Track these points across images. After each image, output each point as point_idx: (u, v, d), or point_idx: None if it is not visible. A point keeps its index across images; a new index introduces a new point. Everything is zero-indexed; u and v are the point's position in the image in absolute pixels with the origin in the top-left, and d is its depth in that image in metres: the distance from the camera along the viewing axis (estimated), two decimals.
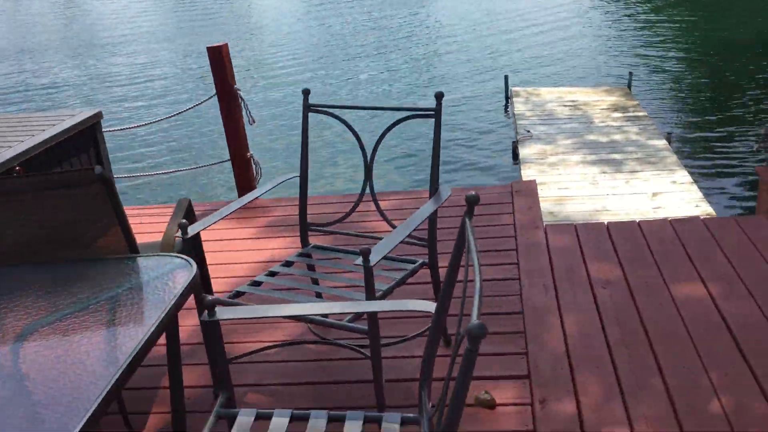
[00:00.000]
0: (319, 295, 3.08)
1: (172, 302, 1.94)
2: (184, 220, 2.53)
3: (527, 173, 7.31)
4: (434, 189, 2.77)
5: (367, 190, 2.91)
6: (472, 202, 1.71)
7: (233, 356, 2.80)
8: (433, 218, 2.79)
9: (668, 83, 11.46)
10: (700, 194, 6.41)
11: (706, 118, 9.62)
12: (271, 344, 3.09)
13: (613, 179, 6.96)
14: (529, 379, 2.67)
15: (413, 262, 2.79)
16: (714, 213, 5.98)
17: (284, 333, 3.16)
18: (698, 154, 8.26)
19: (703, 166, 7.89)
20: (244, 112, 4.93)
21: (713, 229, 3.78)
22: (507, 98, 10.73)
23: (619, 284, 3.30)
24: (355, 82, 12.80)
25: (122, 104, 12.69)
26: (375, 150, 2.90)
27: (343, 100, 11.17)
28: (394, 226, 2.68)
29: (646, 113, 9.14)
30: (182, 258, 2.15)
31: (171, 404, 2.29)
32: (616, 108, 9.45)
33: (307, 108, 2.98)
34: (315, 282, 3.11)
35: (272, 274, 2.81)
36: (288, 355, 3.00)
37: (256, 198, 4.82)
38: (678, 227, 3.85)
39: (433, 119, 2.75)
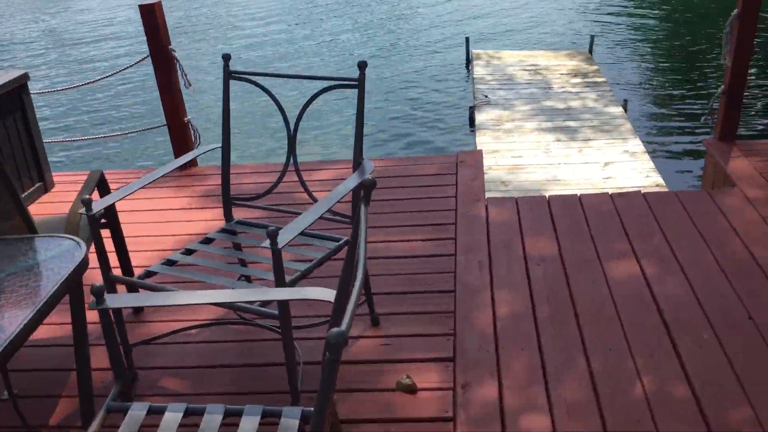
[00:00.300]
0: (243, 277, 2.97)
1: (55, 288, 1.81)
2: (87, 196, 2.38)
3: (481, 140, 7.23)
4: (357, 163, 2.66)
5: (294, 163, 2.78)
6: (368, 187, 1.60)
7: (140, 341, 2.68)
8: (358, 193, 2.69)
9: (629, 48, 11.42)
10: (651, 164, 6.41)
11: (666, 87, 9.62)
12: (192, 324, 2.98)
13: (567, 147, 6.92)
14: (453, 361, 2.62)
15: (337, 240, 2.69)
16: (664, 185, 5.98)
17: (208, 311, 3.05)
18: (654, 124, 8.26)
19: (658, 136, 7.91)
20: (180, 75, 4.72)
21: (653, 204, 3.75)
22: (468, 62, 10.57)
23: (554, 261, 3.26)
24: (301, 49, 12.45)
25: (54, 66, 12.14)
26: (298, 121, 2.77)
27: (283, 69, 10.89)
28: (316, 200, 2.57)
29: (605, 79, 9.09)
30: (72, 239, 2.01)
31: (78, 389, 2.19)
32: (575, 73, 9.38)
33: (228, 75, 2.82)
34: (239, 262, 2.99)
35: (189, 252, 2.69)
36: (210, 335, 2.90)
37: (184, 167, 4.70)
38: (618, 202, 3.81)
39: (357, 89, 2.62)
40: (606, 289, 3.01)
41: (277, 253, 2.10)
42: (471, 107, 8.23)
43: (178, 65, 4.66)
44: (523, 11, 13.94)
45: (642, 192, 3.94)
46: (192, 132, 4.93)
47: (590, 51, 10.39)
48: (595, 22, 12.93)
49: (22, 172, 4.40)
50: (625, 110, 7.93)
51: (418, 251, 3.41)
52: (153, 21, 4.51)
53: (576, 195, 3.95)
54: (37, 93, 5.08)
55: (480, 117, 7.94)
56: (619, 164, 6.46)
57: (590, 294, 2.98)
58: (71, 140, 5.32)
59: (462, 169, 4.37)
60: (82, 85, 5.32)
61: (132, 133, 5.49)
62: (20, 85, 4.50)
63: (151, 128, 4.79)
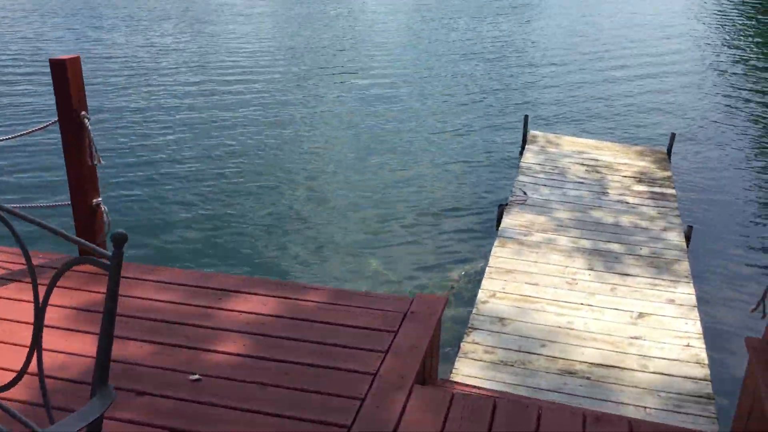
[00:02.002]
0: None
1: None
2: None
3: (498, 253, 6.18)
4: (94, 389, 1.75)
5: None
6: None
7: None
8: None
9: (716, 158, 9.91)
10: (699, 327, 5.17)
11: (751, 221, 7.96)
12: None
13: (598, 281, 5.77)
14: None
15: None
16: (705, 363, 4.74)
17: None
18: (721, 270, 6.77)
19: (722, 289, 6.45)
20: (95, 147, 3.99)
21: None
22: (523, 143, 9.53)
23: None
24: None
25: None
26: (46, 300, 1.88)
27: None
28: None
29: (674, 192, 7.84)
30: None
31: None
32: (641, 178, 8.18)
33: None
34: None
35: None
36: None
37: None
38: (592, 429, 2.72)
39: (112, 268, 1.73)
40: None
41: None
42: (501, 205, 7.19)
43: (88, 134, 3.92)
44: (605, 95, 12.69)
45: (629, 421, 2.83)
46: (104, 216, 4.18)
47: (668, 152, 9.14)
48: (685, 118, 11.50)
49: None
50: (687, 241, 6.67)
51: None
52: (63, 79, 3.81)
53: (536, 405, 2.89)
54: None
55: (508, 220, 6.89)
56: (657, 319, 5.26)
57: None
58: None
59: (407, 325, 3.39)
60: None
61: (32, 206, 4.79)
62: None
63: (53, 206, 4.07)
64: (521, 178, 8.03)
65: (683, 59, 14.94)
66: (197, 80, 12.49)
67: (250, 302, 3.59)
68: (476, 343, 4.90)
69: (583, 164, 8.55)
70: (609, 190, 7.79)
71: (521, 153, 9.15)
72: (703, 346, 4.94)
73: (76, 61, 3.87)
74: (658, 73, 13.90)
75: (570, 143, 9.31)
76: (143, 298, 3.61)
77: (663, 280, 5.86)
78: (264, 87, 12.15)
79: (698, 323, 5.23)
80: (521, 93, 12.27)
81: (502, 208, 7.17)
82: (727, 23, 18.84)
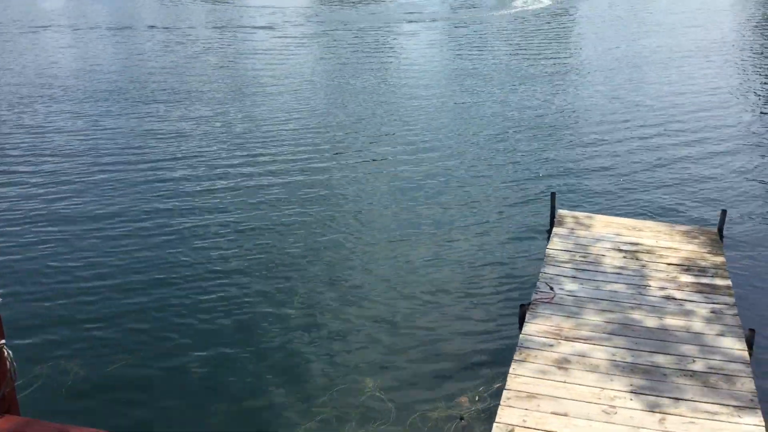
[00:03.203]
0: None
1: None
2: None
3: (517, 374, 5.24)
4: None
5: None
6: None
7: None
8: None
9: None
10: None
11: None
12: None
13: (642, 411, 4.77)
14: None
15: None
16: None
17: None
18: None
19: None
20: None
21: None
22: (551, 224, 8.65)
23: None
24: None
25: None
26: None
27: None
28: None
29: (729, 282, 6.83)
30: None
31: None
32: (690, 266, 7.19)
33: None
34: None
35: None
36: None
37: None
38: None
39: None
40: None
41: None
42: (523, 305, 6.28)
43: None
44: (643, 166, 11.66)
45: None
46: (9, 363, 3.41)
47: (720, 232, 8.15)
48: (737, 191, 10.35)
49: None
50: (750, 348, 5.65)
51: None
52: None
53: None
54: None
55: (531, 325, 5.97)
56: None
57: None
58: None
59: None
60: None
61: None
62: None
63: None
64: (547, 269, 7.11)
65: (731, 123, 13.94)
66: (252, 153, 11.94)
67: None
68: None
69: (619, 249, 7.61)
70: (651, 283, 6.82)
71: (548, 236, 8.25)
72: None
73: None
74: (704, 139, 12.88)
75: (604, 224, 8.38)
76: None
77: (722, 404, 4.85)
78: (283, 168, 11.52)
79: None
80: (549, 164, 11.41)
81: (524, 309, 6.26)
82: None
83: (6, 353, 3.46)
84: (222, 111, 13.84)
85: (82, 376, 5.86)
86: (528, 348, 5.61)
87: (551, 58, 19.27)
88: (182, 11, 26.87)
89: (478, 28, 24.18)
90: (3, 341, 3.46)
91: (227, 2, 29.34)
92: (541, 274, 7.01)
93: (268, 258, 8.06)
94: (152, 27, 23.58)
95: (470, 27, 24.40)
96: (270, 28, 23.87)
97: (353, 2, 32.54)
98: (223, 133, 12.54)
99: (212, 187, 10.08)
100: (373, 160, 11.48)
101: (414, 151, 11.84)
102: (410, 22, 25.51)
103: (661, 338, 5.78)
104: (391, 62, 18.86)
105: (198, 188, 10.06)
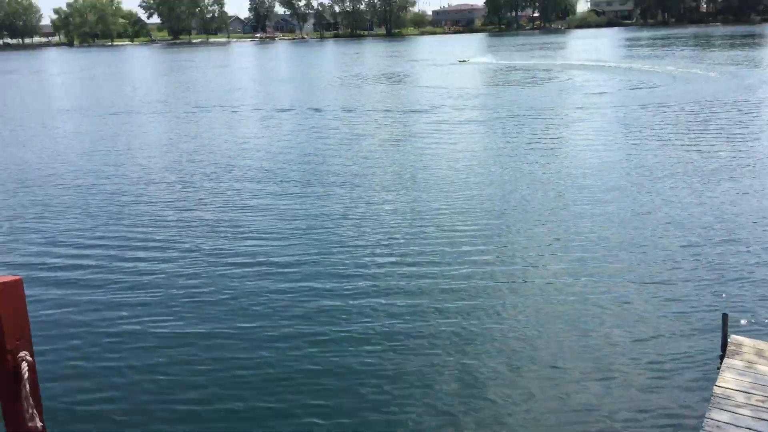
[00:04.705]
0: None
1: None
2: None
3: None
4: None
5: None
6: None
7: None
8: None
9: None
10: None
11: None
12: None
13: None
14: None
15: None
16: None
17: None
18: None
19: None
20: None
21: None
22: (723, 354, 7.04)
23: None
24: None
25: None
26: None
27: None
28: None
29: None
30: None
31: None
32: None
33: None
34: None
35: None
36: None
37: None
38: None
39: None
40: None
41: None
42: None
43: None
44: None
45: None
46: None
47: None
48: None
49: None
50: None
51: None
52: None
53: None
54: None
55: None
56: None
57: None
58: None
59: None
60: None
61: None
62: None
63: None
64: (715, 414, 5.60)
65: None
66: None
67: None
68: None
69: None
70: None
71: (719, 369, 6.68)
72: None
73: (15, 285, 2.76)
74: None
75: None
76: None
77: None
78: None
79: None
80: (721, 272, 9.65)
81: None
82: None
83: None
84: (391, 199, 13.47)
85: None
86: None
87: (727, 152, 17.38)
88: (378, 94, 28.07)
89: (664, 116, 23.36)
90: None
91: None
92: (704, 421, 5.51)
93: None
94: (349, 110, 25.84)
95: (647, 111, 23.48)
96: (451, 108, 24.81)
97: (528, 83, 33.14)
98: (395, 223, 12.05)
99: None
100: (557, 254, 10.36)
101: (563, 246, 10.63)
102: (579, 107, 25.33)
103: None
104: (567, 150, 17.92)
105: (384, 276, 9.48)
